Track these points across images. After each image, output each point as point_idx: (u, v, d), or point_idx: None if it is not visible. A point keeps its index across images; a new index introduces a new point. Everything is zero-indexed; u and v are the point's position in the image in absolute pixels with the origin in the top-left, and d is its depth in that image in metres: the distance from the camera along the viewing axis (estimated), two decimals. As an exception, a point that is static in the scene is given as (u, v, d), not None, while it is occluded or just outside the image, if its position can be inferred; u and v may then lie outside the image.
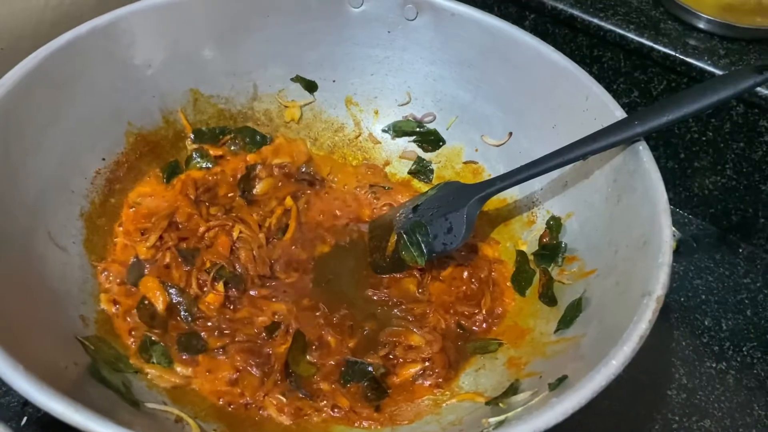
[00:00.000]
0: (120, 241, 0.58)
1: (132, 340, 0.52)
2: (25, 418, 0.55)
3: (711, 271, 0.69)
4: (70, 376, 0.43)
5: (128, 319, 0.53)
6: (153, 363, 0.51)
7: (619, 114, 0.54)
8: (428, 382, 0.53)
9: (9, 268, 0.47)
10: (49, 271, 0.51)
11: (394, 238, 0.61)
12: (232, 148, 0.68)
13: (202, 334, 0.54)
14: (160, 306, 0.53)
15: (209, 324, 0.54)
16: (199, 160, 0.66)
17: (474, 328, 0.57)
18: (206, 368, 0.51)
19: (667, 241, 0.45)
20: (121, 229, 0.59)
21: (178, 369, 0.51)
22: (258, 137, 0.69)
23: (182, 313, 0.54)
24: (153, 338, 0.52)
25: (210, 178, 0.65)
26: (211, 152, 0.67)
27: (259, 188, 0.65)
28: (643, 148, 0.52)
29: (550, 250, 0.59)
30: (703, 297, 0.67)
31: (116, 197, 0.60)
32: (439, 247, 0.58)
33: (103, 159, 0.60)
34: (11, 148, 0.51)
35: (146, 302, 0.54)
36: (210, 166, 0.66)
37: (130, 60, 0.60)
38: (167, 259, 0.56)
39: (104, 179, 0.60)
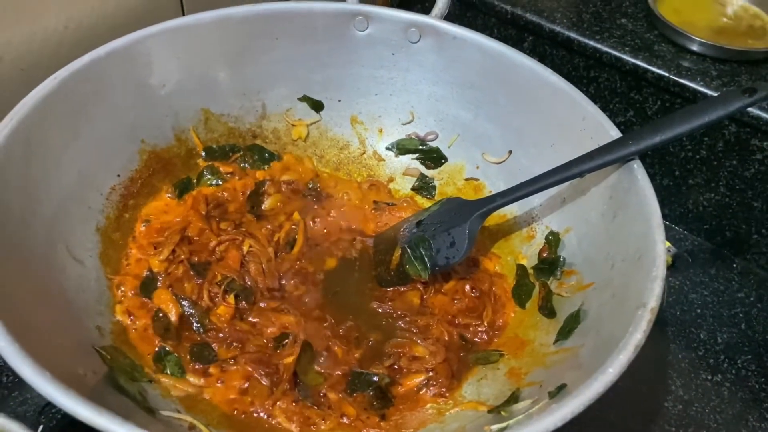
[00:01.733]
0: (134, 255, 0.60)
1: (147, 349, 0.54)
2: (41, 427, 0.57)
3: (706, 286, 0.71)
4: (89, 383, 0.45)
5: (144, 331, 0.55)
6: (167, 373, 0.52)
7: (614, 133, 0.56)
8: (432, 392, 0.54)
9: (30, 280, 0.49)
10: (67, 283, 0.53)
11: (398, 252, 0.63)
12: (242, 165, 0.70)
13: (214, 345, 0.55)
14: (173, 317, 0.55)
15: (220, 335, 0.56)
16: (209, 176, 0.68)
17: (476, 339, 0.59)
18: (218, 378, 0.53)
19: (661, 255, 0.47)
20: (134, 243, 0.61)
21: (191, 379, 0.52)
22: (266, 154, 0.71)
23: (194, 324, 0.56)
24: (167, 348, 0.53)
25: (220, 194, 0.67)
26: (222, 169, 0.69)
27: (267, 204, 0.67)
28: (637, 166, 0.54)
29: (549, 264, 0.61)
30: (699, 311, 0.69)
31: (130, 212, 0.62)
32: (442, 260, 0.60)
33: (118, 176, 0.62)
34: (32, 166, 0.53)
35: (161, 314, 0.55)
36: (220, 182, 0.68)
37: (146, 80, 0.63)
38: (180, 272, 0.58)
39: (119, 195, 0.62)
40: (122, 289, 0.57)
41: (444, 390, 0.54)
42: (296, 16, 0.66)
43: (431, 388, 0.54)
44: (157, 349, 0.54)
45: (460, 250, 0.60)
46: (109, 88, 0.60)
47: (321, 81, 0.71)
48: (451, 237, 0.60)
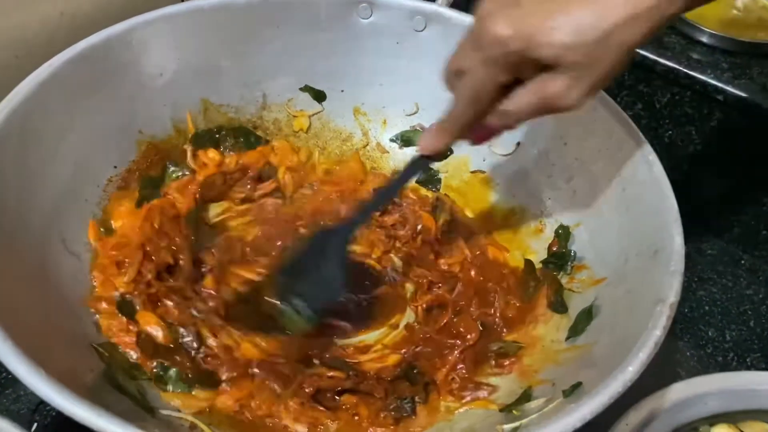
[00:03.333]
0: (97, 277, 0.54)
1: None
2: (35, 425, 0.55)
3: (714, 283, 0.70)
4: (87, 382, 0.44)
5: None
6: (171, 391, 0.49)
7: (628, 125, 0.55)
8: (455, 384, 0.53)
9: (25, 274, 0.47)
10: (63, 279, 0.51)
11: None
12: (222, 149, 0.67)
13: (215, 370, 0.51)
14: (160, 338, 0.52)
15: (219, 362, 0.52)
16: (174, 168, 0.65)
17: (494, 327, 0.57)
18: (226, 388, 0.51)
19: (679, 249, 0.46)
20: (96, 264, 0.55)
21: (200, 394, 0.49)
22: (252, 138, 0.69)
23: (192, 352, 0.52)
24: (165, 364, 0.50)
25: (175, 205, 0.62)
26: (202, 158, 0.66)
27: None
28: (653, 158, 0.52)
29: (559, 258, 0.59)
30: (707, 308, 0.68)
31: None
32: (321, 302, 0.53)
33: (115, 167, 0.60)
34: (27, 156, 0.51)
35: (144, 336, 0.52)
36: (186, 173, 0.65)
37: (143, 69, 0.61)
38: (152, 292, 0.54)
39: (116, 187, 0.60)
40: (98, 315, 0.52)
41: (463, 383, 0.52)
42: (298, 4, 0.64)
43: (454, 381, 0.52)
44: (154, 368, 0.50)
45: (336, 283, 0.53)
46: (106, 76, 0.58)
47: (323, 70, 0.69)
48: (321, 272, 0.53)
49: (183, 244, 0.58)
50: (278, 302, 0.53)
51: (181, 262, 0.57)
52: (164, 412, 0.46)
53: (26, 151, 0.51)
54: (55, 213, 0.53)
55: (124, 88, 0.60)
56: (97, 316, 0.52)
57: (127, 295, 0.54)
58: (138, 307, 0.53)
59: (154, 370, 0.50)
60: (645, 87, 0.73)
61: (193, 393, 0.49)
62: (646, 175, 0.52)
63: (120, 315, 0.52)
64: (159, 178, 0.64)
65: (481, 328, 0.57)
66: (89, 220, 0.56)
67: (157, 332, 0.52)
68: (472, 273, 0.61)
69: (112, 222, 0.59)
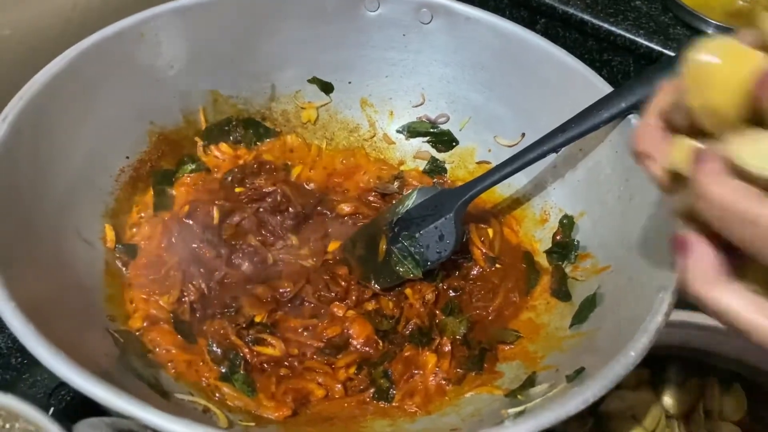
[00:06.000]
0: (136, 296, 0.55)
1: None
2: (51, 409, 0.57)
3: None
4: (103, 365, 0.45)
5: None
6: (234, 387, 0.51)
7: (630, 115, 0.56)
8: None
9: (41, 261, 0.48)
10: (78, 266, 0.52)
11: (383, 246, 0.61)
12: (232, 138, 0.68)
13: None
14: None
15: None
16: (190, 164, 0.66)
17: (489, 318, 0.59)
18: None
19: (681, 238, 0.46)
20: (129, 286, 0.56)
21: (266, 403, 0.51)
22: (262, 130, 0.70)
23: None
24: (237, 362, 0.52)
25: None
26: (215, 151, 0.67)
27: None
28: (655, 149, 0.53)
29: (563, 247, 0.60)
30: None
31: (139, 195, 0.62)
32: (433, 256, 0.59)
33: (127, 157, 0.61)
34: (41, 147, 0.52)
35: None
36: (198, 168, 0.66)
37: (154, 61, 0.62)
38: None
39: (128, 177, 0.61)
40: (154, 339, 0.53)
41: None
42: (306, -4, 0.65)
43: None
44: (223, 371, 0.52)
45: (450, 242, 0.59)
46: (118, 68, 0.59)
47: (331, 62, 0.70)
48: (438, 231, 0.59)
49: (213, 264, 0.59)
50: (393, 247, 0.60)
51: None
52: (179, 396, 0.47)
53: (40, 142, 0.52)
54: (69, 201, 0.54)
55: (136, 80, 0.61)
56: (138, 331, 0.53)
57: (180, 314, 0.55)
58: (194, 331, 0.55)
59: (222, 371, 0.52)
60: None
61: (263, 401, 0.51)
62: (650, 165, 0.52)
63: (176, 334, 0.53)
64: (172, 172, 0.65)
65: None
66: (105, 224, 0.57)
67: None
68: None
69: (131, 230, 0.60)
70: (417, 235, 0.60)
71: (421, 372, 0.54)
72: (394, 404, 0.52)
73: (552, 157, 0.63)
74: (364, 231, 0.64)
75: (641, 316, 0.43)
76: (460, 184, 0.69)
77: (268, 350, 0.55)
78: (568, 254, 0.59)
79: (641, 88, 0.53)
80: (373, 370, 0.55)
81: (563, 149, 0.61)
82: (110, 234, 0.57)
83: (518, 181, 0.66)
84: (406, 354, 0.56)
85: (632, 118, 0.53)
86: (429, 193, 0.62)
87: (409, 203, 0.62)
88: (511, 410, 0.45)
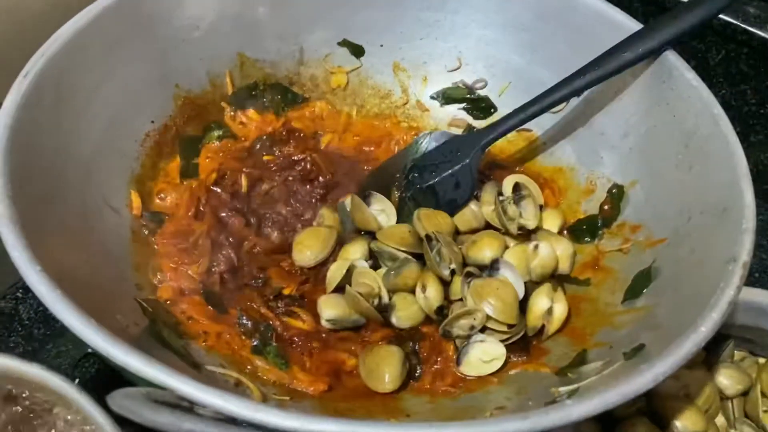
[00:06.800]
0: (165, 265, 0.53)
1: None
2: (76, 380, 0.55)
3: (765, 249, 0.68)
4: (132, 334, 0.43)
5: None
6: (267, 359, 0.49)
7: (690, 75, 0.52)
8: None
9: (67, 227, 0.46)
10: (105, 233, 0.50)
11: (395, 195, 0.59)
12: (259, 104, 0.65)
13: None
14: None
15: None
16: (217, 130, 0.63)
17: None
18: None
19: (750, 206, 0.43)
20: (156, 253, 0.54)
21: (300, 376, 0.49)
22: (290, 95, 0.67)
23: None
24: (268, 335, 0.50)
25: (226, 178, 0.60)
26: (242, 117, 0.64)
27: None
28: (718, 111, 0.49)
29: (587, 224, 0.58)
30: (757, 275, 0.65)
31: (165, 161, 0.59)
32: (449, 205, 0.57)
33: (152, 122, 0.59)
34: (64, 107, 0.50)
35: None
36: (226, 135, 0.63)
37: (178, 21, 0.59)
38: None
39: (153, 142, 0.58)
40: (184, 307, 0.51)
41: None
42: (338, -47, 0.62)
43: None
44: (255, 343, 0.50)
45: (466, 190, 0.56)
46: (141, 27, 0.56)
47: (362, 24, 0.66)
48: (455, 178, 0.56)
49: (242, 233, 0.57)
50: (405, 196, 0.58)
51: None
52: (210, 368, 0.45)
53: (62, 102, 0.49)
54: (94, 166, 0.51)
55: (160, 41, 0.58)
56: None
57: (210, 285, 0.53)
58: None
59: (254, 343, 0.50)
60: (699, 43, 0.69)
61: (296, 374, 0.49)
62: (712, 129, 0.49)
63: (207, 305, 0.51)
64: (198, 138, 0.62)
65: None
66: (131, 191, 0.55)
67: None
68: None
69: (157, 198, 0.57)
70: (432, 182, 0.57)
71: (444, 356, 0.52)
72: (425, 386, 0.50)
73: (599, 123, 0.60)
74: (375, 178, 0.62)
75: (707, 290, 0.40)
76: (498, 155, 0.66)
77: (298, 323, 0.53)
78: (596, 230, 0.57)
79: (671, 25, 0.50)
80: (402, 345, 0.52)
81: (613, 113, 0.58)
82: (136, 201, 0.55)
83: (561, 150, 0.63)
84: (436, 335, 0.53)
85: (713, 108, 0.50)
86: (443, 138, 0.59)
87: (423, 149, 0.59)
88: (563, 388, 0.42)
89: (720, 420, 0.51)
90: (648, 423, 0.48)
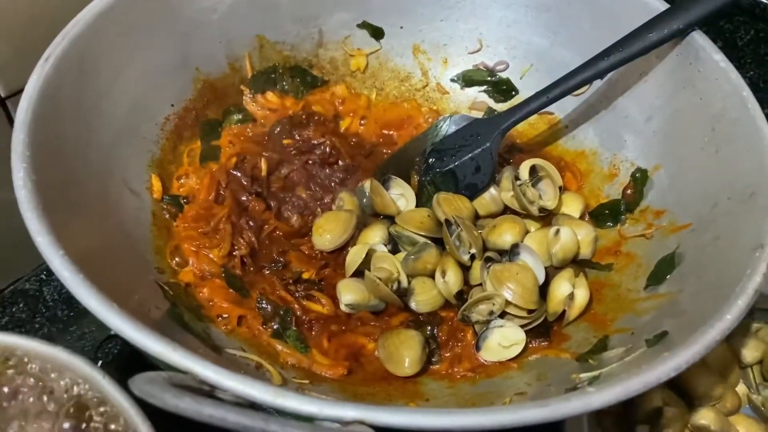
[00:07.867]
0: (186, 249, 0.53)
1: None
2: (99, 363, 0.56)
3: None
4: (153, 318, 0.43)
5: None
6: (288, 344, 0.50)
7: (719, 57, 0.50)
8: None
9: (90, 211, 0.46)
10: (126, 216, 0.50)
11: (415, 179, 0.59)
12: (279, 87, 0.65)
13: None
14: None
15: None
16: (236, 114, 0.63)
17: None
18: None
19: (780, 191, 0.42)
20: (174, 237, 0.54)
21: (319, 359, 0.49)
22: (309, 78, 0.66)
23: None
24: (288, 318, 0.50)
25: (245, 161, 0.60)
26: (261, 101, 0.64)
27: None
28: (747, 94, 0.48)
29: (609, 209, 0.57)
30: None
31: (185, 144, 0.59)
32: (469, 189, 0.57)
33: (172, 105, 0.59)
34: (85, 91, 0.50)
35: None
36: (245, 119, 0.63)
37: (197, 3, 0.58)
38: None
39: (173, 125, 0.58)
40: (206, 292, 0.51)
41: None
42: (358, -68, 0.61)
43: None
44: (275, 327, 0.50)
45: (486, 174, 0.56)
46: (161, 10, 0.56)
47: (382, 5, 0.65)
48: (475, 162, 0.56)
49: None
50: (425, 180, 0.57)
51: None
52: (230, 351, 0.45)
53: (84, 85, 0.49)
54: (115, 150, 0.52)
55: (180, 24, 0.58)
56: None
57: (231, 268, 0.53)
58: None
59: (274, 327, 0.50)
60: (727, 23, 0.67)
61: (316, 357, 0.49)
62: (740, 113, 0.48)
63: (228, 288, 0.52)
64: (218, 122, 0.62)
65: None
66: (152, 174, 0.55)
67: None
68: None
69: (178, 182, 0.57)
70: (452, 166, 0.57)
71: (463, 341, 0.52)
72: (444, 371, 0.50)
73: (623, 106, 0.58)
74: (394, 162, 0.61)
75: (733, 277, 0.39)
76: (519, 138, 0.65)
77: (317, 307, 0.53)
78: (618, 215, 0.56)
79: (698, 4, 0.49)
80: (420, 329, 0.52)
81: (637, 96, 0.56)
82: (157, 184, 0.55)
83: (584, 133, 0.61)
84: (455, 319, 0.53)
85: (742, 90, 0.49)
86: (463, 121, 0.59)
87: (443, 132, 0.59)
88: (584, 375, 0.42)
89: (741, 388, 0.52)
90: (665, 389, 0.48)
